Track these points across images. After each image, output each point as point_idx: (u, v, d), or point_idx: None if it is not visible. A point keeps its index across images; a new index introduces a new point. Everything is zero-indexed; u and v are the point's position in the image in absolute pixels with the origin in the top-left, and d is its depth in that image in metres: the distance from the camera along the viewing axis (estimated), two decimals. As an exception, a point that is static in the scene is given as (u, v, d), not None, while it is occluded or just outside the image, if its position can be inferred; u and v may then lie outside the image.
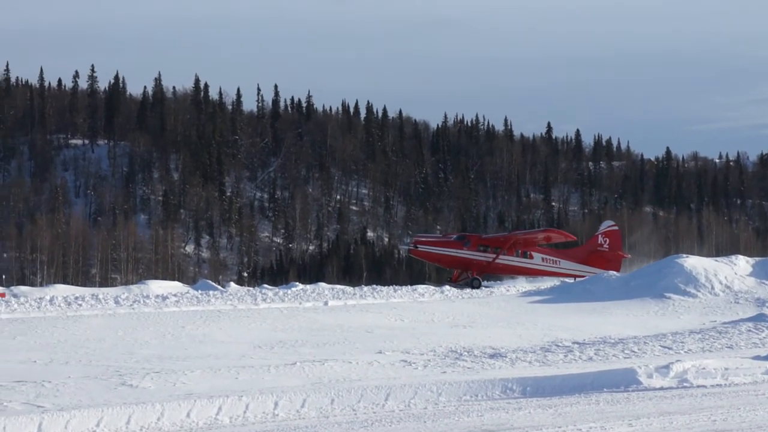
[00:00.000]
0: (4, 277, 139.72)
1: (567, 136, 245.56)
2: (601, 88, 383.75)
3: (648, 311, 43.03)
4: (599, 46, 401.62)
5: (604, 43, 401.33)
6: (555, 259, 73.44)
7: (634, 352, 31.29)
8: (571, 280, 62.94)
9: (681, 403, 23.26)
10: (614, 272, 57.78)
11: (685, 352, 31.33)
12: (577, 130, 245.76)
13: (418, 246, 70.55)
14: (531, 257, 72.01)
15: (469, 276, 68.78)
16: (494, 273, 72.87)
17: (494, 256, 69.89)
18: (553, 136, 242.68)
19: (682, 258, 50.38)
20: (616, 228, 77.51)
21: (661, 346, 32.49)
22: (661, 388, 25.25)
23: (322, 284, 67.34)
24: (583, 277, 70.19)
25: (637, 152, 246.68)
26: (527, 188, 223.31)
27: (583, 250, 76.23)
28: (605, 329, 36.93)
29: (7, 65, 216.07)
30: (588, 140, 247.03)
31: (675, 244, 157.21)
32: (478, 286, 64.41)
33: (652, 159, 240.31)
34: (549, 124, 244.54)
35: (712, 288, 47.36)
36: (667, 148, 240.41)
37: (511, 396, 24.76)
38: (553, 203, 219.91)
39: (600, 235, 75.71)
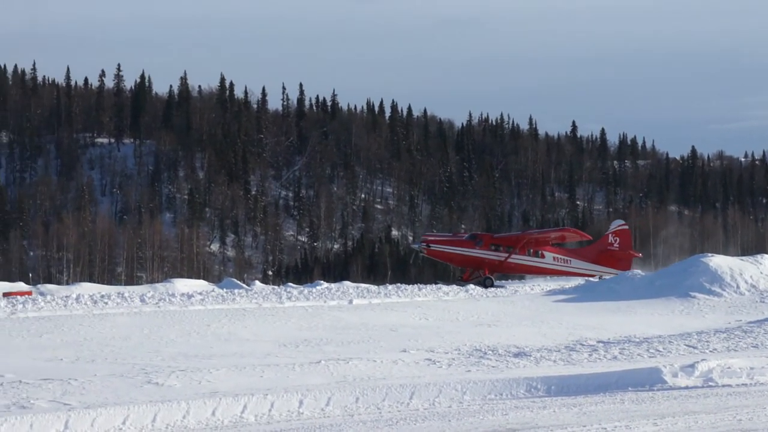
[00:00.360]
0: (30, 275, 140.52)
1: (592, 135, 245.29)
2: (627, 86, 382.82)
3: (673, 310, 42.92)
4: (625, 44, 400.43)
5: (630, 42, 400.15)
6: (566, 258, 73.21)
7: (659, 351, 31.22)
8: (585, 279, 62.76)
9: (706, 402, 23.22)
10: (638, 271, 57.48)
11: (711, 351, 31.23)
12: (602, 128, 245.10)
13: (430, 245, 70.42)
14: (543, 256, 71.81)
15: (480, 275, 68.63)
16: (506, 272, 72.96)
17: (506, 255, 69.81)
18: (578, 135, 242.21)
19: (707, 257, 50.22)
20: (626, 227, 77.17)
21: (686, 345, 32.41)
22: (686, 388, 25.20)
23: (347, 283, 67.51)
24: (594, 276, 69.86)
25: (662, 151, 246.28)
26: (552, 187, 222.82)
27: (593, 249, 75.78)
28: (630, 328, 36.87)
29: (34, 64, 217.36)
30: (613, 139, 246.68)
31: (700, 243, 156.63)
32: (491, 285, 64.37)
33: (678, 158, 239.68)
34: (574, 122, 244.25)
35: (738, 287, 47.20)
36: (693, 146, 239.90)
37: (535, 395, 24.76)
38: (578, 202, 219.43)
39: (610, 234, 75.31)
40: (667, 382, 25.57)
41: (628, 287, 49.01)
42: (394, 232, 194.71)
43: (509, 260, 69.96)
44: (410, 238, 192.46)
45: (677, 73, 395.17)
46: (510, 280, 74.35)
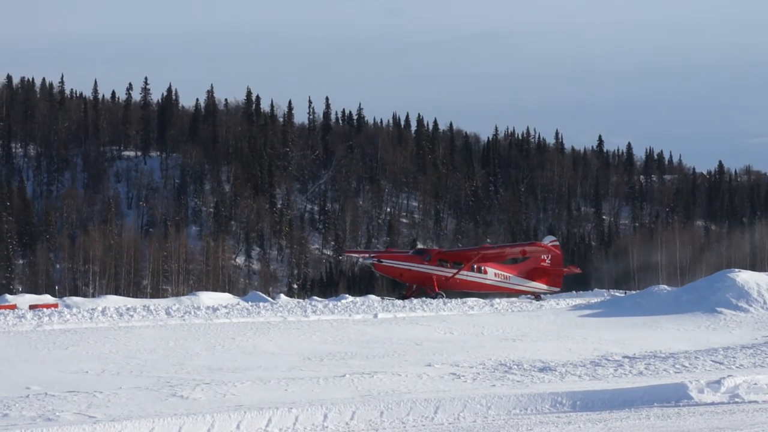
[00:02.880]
0: (57, 287, 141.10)
1: (618, 150, 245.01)
2: (653, 101, 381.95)
3: (699, 326, 42.73)
4: (652, 58, 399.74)
5: (655, 56, 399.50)
6: (506, 274, 71.53)
7: (685, 366, 31.08)
8: (529, 298, 61.38)
9: (732, 418, 23.10)
10: (664, 286, 57.01)
11: (737, 367, 31.08)
12: (629, 143, 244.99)
13: (381, 260, 68.17)
14: (485, 272, 69.95)
15: (427, 291, 66.36)
16: (453, 289, 69.09)
17: (455, 271, 67.85)
18: (605, 149, 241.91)
19: (734, 272, 49.99)
20: (557, 243, 75.76)
21: (712, 360, 32.26)
22: (713, 404, 25.09)
23: (372, 296, 67.38)
24: (532, 294, 68.83)
25: (689, 166, 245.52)
26: (578, 201, 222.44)
27: (527, 265, 73.84)
28: (656, 343, 36.73)
29: (62, 77, 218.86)
30: (639, 153, 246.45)
31: (727, 258, 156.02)
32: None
33: (704, 172, 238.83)
34: (600, 137, 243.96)
35: (765, 302, 46.96)
36: (720, 161, 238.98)
37: (560, 410, 24.68)
38: (604, 217, 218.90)
39: None
40: (693, 398, 25.46)
41: (654, 302, 48.85)
42: (420, 246, 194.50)
43: (456, 276, 68.01)
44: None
45: (704, 87, 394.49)
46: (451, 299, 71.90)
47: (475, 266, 69.22)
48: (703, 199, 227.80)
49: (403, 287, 73.17)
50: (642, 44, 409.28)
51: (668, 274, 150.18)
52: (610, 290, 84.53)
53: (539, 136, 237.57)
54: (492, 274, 70.32)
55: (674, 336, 39.56)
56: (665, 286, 54.95)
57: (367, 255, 74.46)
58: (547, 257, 73.46)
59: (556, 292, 72.76)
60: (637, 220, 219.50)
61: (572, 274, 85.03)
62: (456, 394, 25.49)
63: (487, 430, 22.16)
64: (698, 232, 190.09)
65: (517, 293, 68.67)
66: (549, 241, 75.91)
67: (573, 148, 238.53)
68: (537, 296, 68.94)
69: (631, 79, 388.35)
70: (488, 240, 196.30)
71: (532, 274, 72.71)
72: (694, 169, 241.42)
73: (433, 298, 61.53)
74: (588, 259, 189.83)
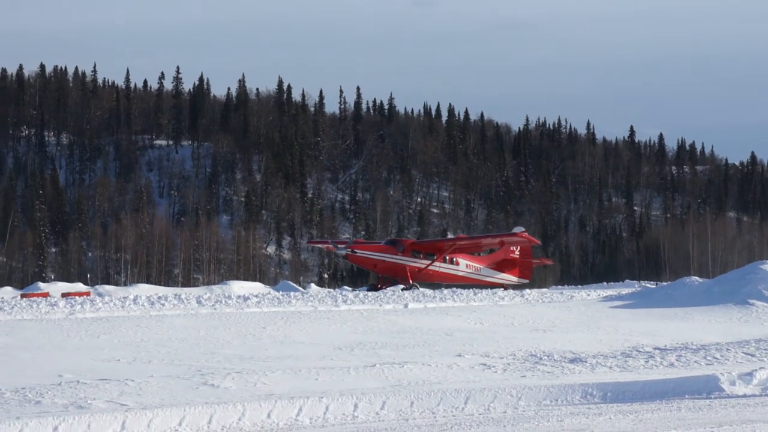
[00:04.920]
0: (89, 276, 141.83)
1: (650, 140, 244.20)
2: (685, 91, 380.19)
3: (731, 317, 42.55)
4: (684, 48, 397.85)
5: (689, 45, 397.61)
6: (477, 266, 70.76)
7: (716, 358, 30.97)
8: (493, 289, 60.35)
9: (764, 411, 23.02)
10: (696, 278, 56.59)
11: (769, 359, 30.97)
12: (660, 134, 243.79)
13: (356, 251, 66.70)
14: (457, 264, 69.15)
15: (400, 283, 65.68)
16: (424, 280, 68.22)
17: (428, 262, 67.00)
18: (636, 140, 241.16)
19: (766, 264, 49.75)
20: (525, 234, 74.72)
21: (744, 353, 32.14)
22: (744, 396, 25.00)
23: (402, 286, 67.38)
24: (502, 286, 67.42)
25: (721, 156, 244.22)
26: (609, 192, 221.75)
27: (496, 256, 73.00)
28: (687, 335, 36.62)
29: (95, 66, 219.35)
30: (671, 144, 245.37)
31: (759, 249, 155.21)
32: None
33: (737, 163, 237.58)
34: (632, 127, 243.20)
35: (797, 295, 46.68)
36: (752, 152, 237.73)
37: (591, 401, 24.65)
38: (635, 207, 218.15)
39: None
40: (725, 390, 25.38)
41: (686, 294, 48.68)
42: (450, 236, 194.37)
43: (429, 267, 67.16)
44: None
45: (737, 77, 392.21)
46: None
47: (447, 257, 68.36)
48: (735, 190, 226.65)
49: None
50: (675, 33, 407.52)
51: (700, 266, 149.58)
52: (641, 281, 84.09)
53: (570, 126, 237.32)
54: (464, 265, 69.65)
55: (706, 328, 39.42)
56: (697, 278, 54.74)
57: (331, 245, 73.26)
58: (516, 249, 72.73)
59: (525, 284, 71.49)
60: (669, 211, 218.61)
61: (543, 266, 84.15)
62: (486, 384, 25.49)
63: (518, 420, 22.16)
64: (730, 224, 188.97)
65: (487, 285, 67.40)
66: (518, 232, 74.00)
67: (604, 139, 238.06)
68: (505, 288, 66.86)
69: (663, 68, 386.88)
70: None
71: (501, 266, 72.00)
72: (726, 159, 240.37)
73: (407, 289, 60.42)
74: (619, 250, 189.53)
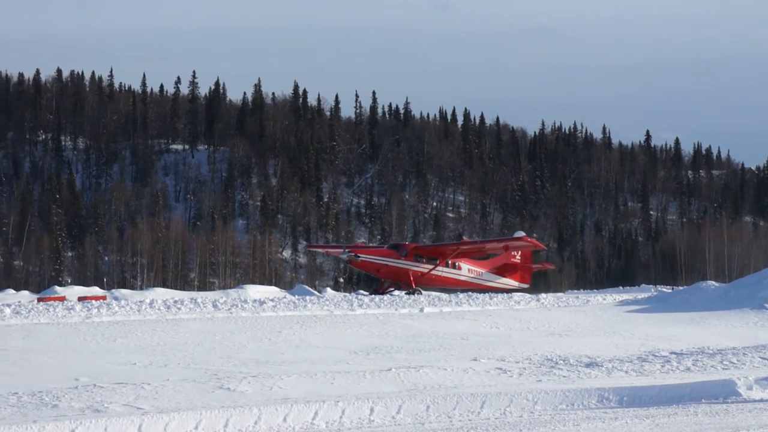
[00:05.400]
0: (105, 280, 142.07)
1: (666, 145, 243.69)
2: (701, 95, 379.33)
3: (747, 322, 42.44)
4: (700, 52, 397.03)
5: (705, 50, 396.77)
6: (479, 270, 70.48)
7: (733, 363, 30.90)
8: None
9: (781, 415, 22.95)
10: (712, 282, 56.32)
11: (786, 364, 30.89)
12: (676, 138, 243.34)
13: (359, 256, 66.36)
14: (459, 268, 68.88)
15: (403, 287, 65.42)
16: (426, 285, 68.03)
17: (431, 266, 66.73)
18: (652, 144, 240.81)
19: (783, 268, 49.62)
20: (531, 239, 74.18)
21: (760, 357, 32.06)
22: (761, 400, 24.93)
23: (405, 291, 67.35)
24: (504, 290, 66.83)
25: (737, 161, 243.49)
26: (625, 196, 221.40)
27: (498, 260, 72.62)
28: (704, 340, 36.53)
29: (111, 71, 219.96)
30: (687, 148, 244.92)
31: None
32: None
33: (753, 168, 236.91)
34: (648, 132, 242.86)
35: (814, 299, 46.53)
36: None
37: (607, 406, 24.62)
38: (651, 212, 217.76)
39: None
40: (742, 394, 25.32)
41: (702, 298, 48.62)
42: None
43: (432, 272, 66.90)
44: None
45: (753, 82, 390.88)
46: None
47: (450, 262, 68.20)
48: (752, 194, 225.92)
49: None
50: (691, 38, 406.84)
51: (716, 270, 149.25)
52: (657, 286, 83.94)
53: (586, 130, 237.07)
54: (466, 270, 69.46)
55: (722, 332, 39.33)
56: (713, 282, 54.65)
57: (341, 250, 72.80)
58: (517, 253, 72.52)
59: (524, 289, 71.23)
60: (685, 215, 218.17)
61: (545, 270, 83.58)
62: (502, 388, 25.48)
63: (534, 425, 22.13)
64: (746, 228, 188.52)
65: (488, 290, 66.78)
66: (519, 237, 73.48)
67: (620, 143, 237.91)
68: (506, 292, 66.67)
69: (679, 73, 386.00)
70: (535, 235, 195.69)
71: (502, 270, 71.80)
72: (742, 164, 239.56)
73: (410, 294, 60.30)
74: (635, 254, 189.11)
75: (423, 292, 63.64)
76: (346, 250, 68.64)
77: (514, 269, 72.44)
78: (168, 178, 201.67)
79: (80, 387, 24.33)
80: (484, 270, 70.98)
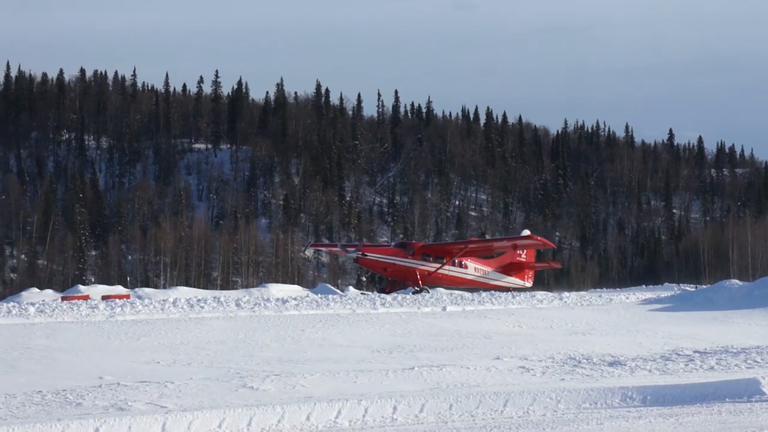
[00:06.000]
0: (129, 279, 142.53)
1: (689, 143, 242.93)
2: (725, 93, 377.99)
3: (772, 321, 42.25)
4: (723, 50, 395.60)
5: (729, 48, 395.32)
6: (485, 269, 70.03)
7: (757, 362, 30.78)
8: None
9: (805, 415, 22.86)
10: (736, 281, 55.85)
11: (810, 363, 30.74)
12: (700, 136, 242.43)
13: (366, 254, 65.78)
14: (466, 267, 68.32)
15: (411, 286, 64.92)
16: (435, 284, 67.67)
17: (438, 265, 66.09)
18: (675, 143, 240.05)
19: (807, 267, 49.41)
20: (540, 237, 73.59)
21: (785, 356, 31.92)
22: (785, 400, 24.84)
23: (441, 289, 67.21)
24: (508, 289, 66.37)
25: (761, 159, 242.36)
26: (648, 195, 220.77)
27: (503, 259, 72.14)
28: (727, 338, 36.39)
29: (134, 71, 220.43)
30: (711, 147, 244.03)
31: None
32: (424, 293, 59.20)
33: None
34: (671, 130, 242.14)
35: (839, 298, 46.31)
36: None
37: (630, 404, 24.57)
38: (674, 211, 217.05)
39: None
40: (766, 393, 25.23)
41: (726, 297, 48.42)
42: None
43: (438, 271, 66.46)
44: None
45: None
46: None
47: (456, 261, 67.77)
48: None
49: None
50: (714, 35, 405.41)
51: (739, 269, 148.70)
52: (681, 285, 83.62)
53: (609, 129, 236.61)
54: (472, 269, 68.95)
55: (746, 331, 39.17)
56: (737, 281, 54.39)
57: (339, 248, 72.28)
58: (523, 252, 72.31)
59: (529, 288, 70.90)
60: (708, 214, 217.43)
61: (552, 269, 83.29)
62: (525, 387, 25.45)
63: (557, 423, 22.11)
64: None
65: (494, 288, 66.49)
66: (525, 235, 72.14)
67: (643, 142, 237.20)
68: (509, 290, 65.63)
69: (702, 71, 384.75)
70: (557, 234, 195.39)
71: (508, 269, 71.46)
72: (766, 162, 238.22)
73: (417, 293, 59.82)
74: (658, 253, 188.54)
75: (430, 290, 63.43)
76: (353, 248, 68.27)
77: (520, 268, 72.27)
78: (191, 178, 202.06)
79: (104, 385, 24.42)
80: (490, 269, 70.77)
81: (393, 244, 72.24)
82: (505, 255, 72.27)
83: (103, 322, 36.65)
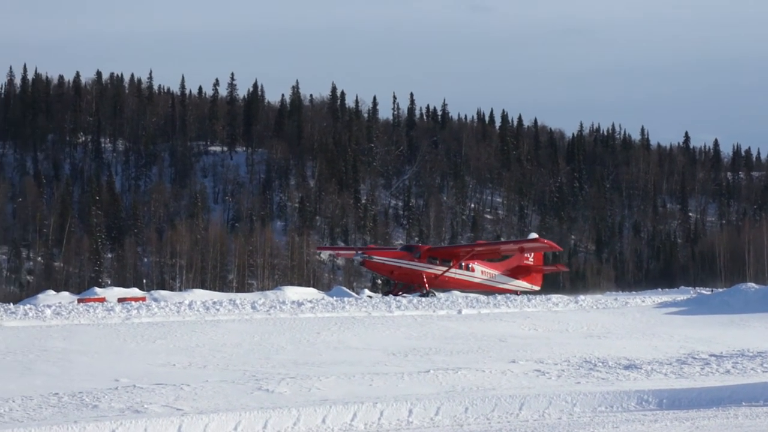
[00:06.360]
0: (144, 281, 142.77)
1: (705, 146, 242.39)
2: (741, 96, 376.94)
3: (788, 325, 42.12)
4: (739, 52, 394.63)
5: (744, 50, 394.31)
6: (493, 272, 69.98)
7: (773, 366, 30.70)
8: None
9: (822, 419, 22.79)
10: (752, 284, 55.51)
11: (827, 367, 30.64)
12: (716, 139, 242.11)
13: (372, 257, 65.90)
14: (472, 270, 68.34)
15: (416, 290, 64.97)
16: (440, 287, 67.69)
17: (445, 268, 66.18)
18: (691, 146, 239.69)
19: (824, 271, 49.28)
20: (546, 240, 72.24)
21: (801, 360, 31.82)
22: (802, 404, 24.77)
23: (456, 292, 67.24)
24: (516, 292, 66.15)
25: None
26: (663, 198, 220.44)
27: (510, 262, 72.15)
28: (744, 342, 36.30)
29: (150, 73, 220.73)
30: (727, 150, 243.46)
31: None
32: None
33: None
34: (686, 133, 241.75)
35: None
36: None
37: (646, 408, 24.53)
38: (690, 214, 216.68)
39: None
40: (783, 397, 25.17)
41: (742, 300, 48.30)
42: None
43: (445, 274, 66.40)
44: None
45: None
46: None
47: (463, 264, 67.73)
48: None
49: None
50: (729, 37, 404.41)
51: (756, 272, 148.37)
52: (697, 288, 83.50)
53: (624, 132, 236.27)
54: (479, 272, 68.96)
55: (762, 335, 39.06)
56: (753, 284, 54.24)
57: (353, 252, 72.25)
58: (530, 255, 72.13)
59: (536, 291, 70.75)
60: (724, 217, 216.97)
61: (559, 272, 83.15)
62: (541, 390, 25.44)
63: (573, 427, 22.09)
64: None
65: (501, 291, 66.41)
66: (532, 239, 72.27)
67: (659, 145, 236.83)
68: (517, 293, 65.48)
69: (719, 74, 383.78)
70: (572, 237, 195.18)
71: (515, 272, 71.35)
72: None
73: (424, 296, 59.56)
74: (674, 256, 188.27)
75: (436, 294, 63.39)
76: (359, 252, 68.34)
77: (527, 271, 72.14)
78: (206, 180, 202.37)
79: (120, 388, 24.48)
80: (497, 272, 70.68)
81: (400, 247, 72.08)
82: (513, 258, 72.21)
83: (119, 324, 36.74)
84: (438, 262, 66.68)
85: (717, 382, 27.17)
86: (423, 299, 50.52)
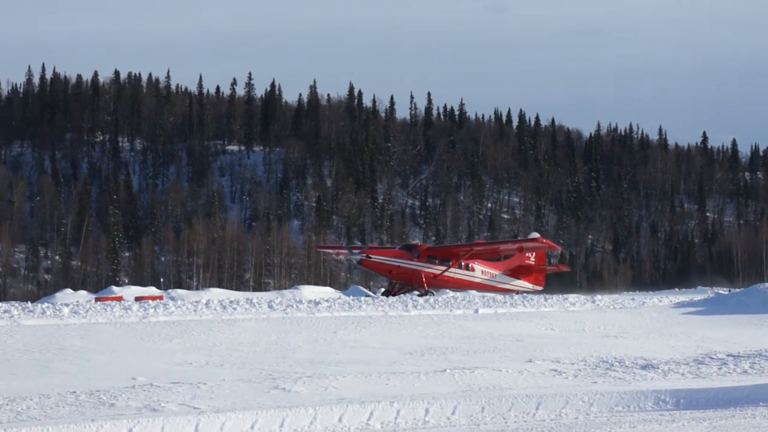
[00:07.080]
0: (162, 280, 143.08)
1: (723, 146, 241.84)
2: (759, 96, 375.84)
3: (806, 325, 41.97)
4: (757, 52, 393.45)
5: (762, 50, 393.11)
6: (493, 272, 69.58)
7: (791, 366, 30.59)
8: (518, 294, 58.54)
9: (840, 419, 22.71)
10: (540, 287, 54.66)
11: None
12: (734, 139, 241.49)
13: (370, 256, 65.74)
14: (472, 270, 68.00)
15: (415, 289, 64.82)
16: (440, 286, 67.38)
17: (444, 268, 65.88)
18: (709, 146, 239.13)
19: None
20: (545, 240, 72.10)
21: (819, 360, 31.70)
22: (820, 404, 24.68)
23: (473, 292, 67.13)
24: (516, 292, 65.87)
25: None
26: (681, 198, 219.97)
27: (511, 262, 71.74)
28: (761, 342, 36.17)
29: (168, 73, 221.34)
30: (745, 150, 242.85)
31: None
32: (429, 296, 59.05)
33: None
34: (704, 133, 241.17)
35: None
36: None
37: (663, 408, 24.47)
38: (708, 214, 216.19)
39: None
40: (800, 397, 25.08)
41: (760, 300, 48.12)
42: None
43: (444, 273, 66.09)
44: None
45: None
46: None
47: (463, 263, 67.45)
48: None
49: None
50: (748, 38, 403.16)
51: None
52: (714, 288, 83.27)
53: (642, 131, 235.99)
54: (479, 271, 68.69)
55: (780, 335, 38.91)
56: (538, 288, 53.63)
57: (346, 250, 72.12)
58: (532, 255, 71.77)
59: (539, 291, 70.36)
60: (742, 217, 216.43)
61: (561, 272, 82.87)
62: (557, 390, 25.39)
63: (590, 426, 22.04)
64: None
65: (502, 291, 66.10)
66: (534, 238, 72.24)
67: (677, 144, 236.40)
68: (518, 294, 65.79)
69: (737, 73, 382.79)
70: (590, 236, 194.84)
71: (516, 272, 71.05)
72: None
73: (422, 296, 59.05)
74: (691, 256, 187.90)
75: (435, 293, 63.25)
76: (358, 251, 68.18)
77: (529, 271, 71.78)
78: (224, 179, 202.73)
79: (137, 386, 24.51)
80: (498, 272, 70.32)
81: (399, 246, 71.94)
82: (513, 258, 71.92)
83: (136, 323, 36.78)
84: (437, 261, 66.45)
85: (734, 382, 27.09)
86: (443, 299, 50.49)
